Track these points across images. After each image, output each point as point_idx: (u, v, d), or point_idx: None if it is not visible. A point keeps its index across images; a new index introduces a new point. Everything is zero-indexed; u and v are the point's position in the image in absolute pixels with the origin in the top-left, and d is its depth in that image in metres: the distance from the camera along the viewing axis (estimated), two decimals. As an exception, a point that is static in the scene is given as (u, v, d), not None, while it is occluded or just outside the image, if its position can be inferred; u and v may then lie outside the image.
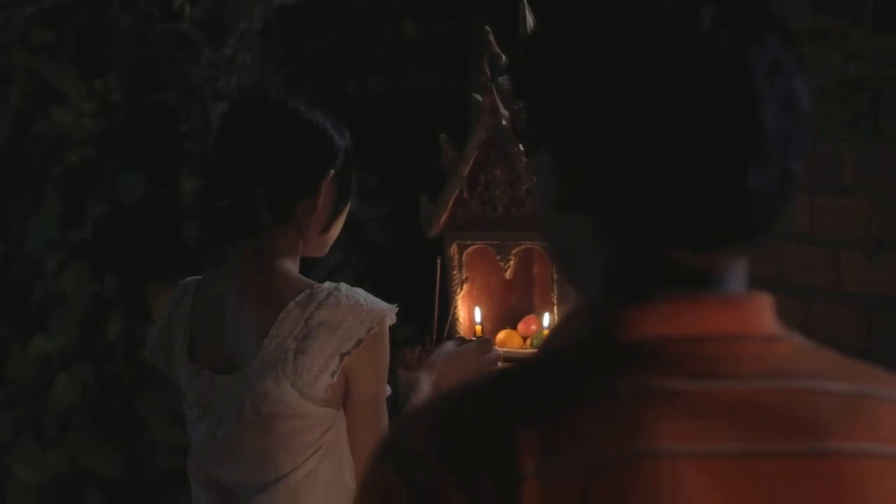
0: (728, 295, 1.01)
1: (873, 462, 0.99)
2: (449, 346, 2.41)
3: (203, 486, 2.22)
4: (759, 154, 0.98)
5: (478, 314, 2.67)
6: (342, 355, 2.07)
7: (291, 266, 2.18)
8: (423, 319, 2.57)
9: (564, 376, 0.98)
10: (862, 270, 2.92)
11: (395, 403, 2.26)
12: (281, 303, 2.11)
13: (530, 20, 2.49)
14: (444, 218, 2.65)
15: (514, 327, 2.73)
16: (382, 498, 0.95)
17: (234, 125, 2.20)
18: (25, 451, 4.29)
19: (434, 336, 2.52)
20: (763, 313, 1.02)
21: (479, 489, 0.92)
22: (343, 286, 2.12)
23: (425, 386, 2.29)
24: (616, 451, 0.93)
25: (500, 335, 2.69)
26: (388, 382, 2.17)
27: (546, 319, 2.61)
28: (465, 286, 2.68)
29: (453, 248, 2.67)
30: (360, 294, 2.12)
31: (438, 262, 2.59)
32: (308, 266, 2.25)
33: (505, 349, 2.61)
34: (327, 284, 2.13)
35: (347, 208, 2.25)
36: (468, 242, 2.66)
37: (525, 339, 2.69)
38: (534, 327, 2.69)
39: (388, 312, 2.11)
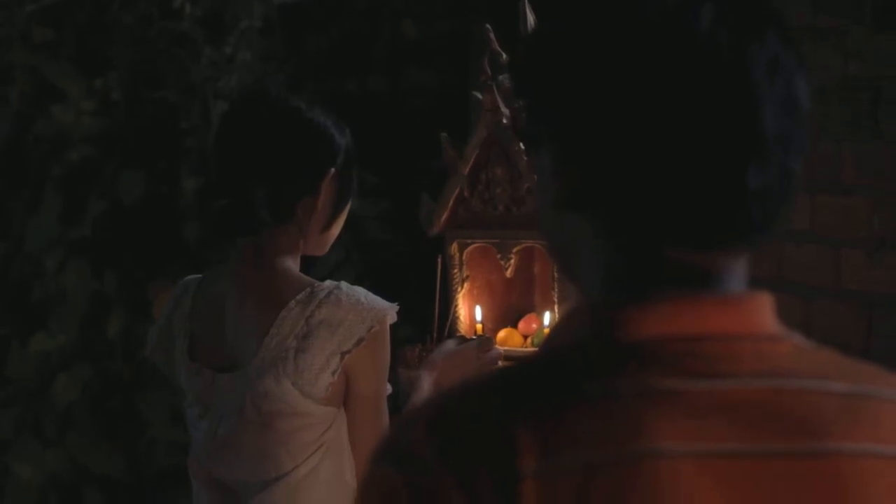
0: (728, 294, 1.01)
1: (873, 462, 0.99)
2: (449, 344, 2.42)
3: (204, 484, 2.22)
4: (759, 154, 0.98)
5: (478, 313, 2.67)
6: (343, 354, 2.08)
7: (292, 265, 2.18)
8: (424, 318, 2.57)
9: (565, 376, 0.98)
10: (862, 269, 2.93)
11: (396, 402, 2.26)
12: (281, 301, 2.11)
13: (531, 19, 2.49)
14: (444, 216, 2.65)
15: (514, 326, 2.73)
16: (383, 498, 0.95)
17: (235, 124, 2.20)
18: (25, 450, 4.29)
19: (435, 335, 2.52)
20: (763, 313, 1.02)
21: (478, 489, 0.92)
22: (344, 285, 2.12)
23: (426, 384, 2.29)
24: (616, 450, 0.93)
25: (501, 334, 2.69)
26: (389, 381, 2.17)
27: (547, 318, 2.61)
28: (465, 285, 2.68)
29: (454, 247, 2.67)
30: (361, 293, 2.12)
31: (439, 260, 2.59)
32: (309, 265, 2.25)
33: (505, 348, 2.61)
34: (328, 283, 2.13)
35: (348, 207, 2.25)
36: (469, 241, 2.67)
37: (526, 337, 2.69)
38: (534, 326, 2.69)
39: (389, 311, 2.11)
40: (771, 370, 0.99)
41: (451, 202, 2.64)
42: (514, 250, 2.61)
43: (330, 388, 2.09)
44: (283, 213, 2.15)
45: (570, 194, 1.02)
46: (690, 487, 0.94)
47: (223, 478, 2.18)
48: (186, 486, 2.30)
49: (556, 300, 2.55)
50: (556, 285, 2.56)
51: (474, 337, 2.55)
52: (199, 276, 2.30)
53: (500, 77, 2.55)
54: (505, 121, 2.54)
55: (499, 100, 2.54)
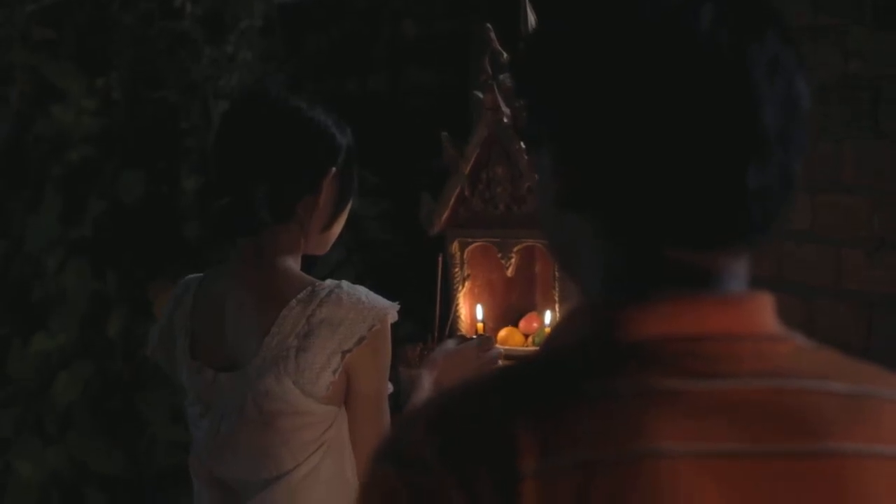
0: (728, 295, 1.01)
1: (874, 462, 0.99)
2: (449, 344, 2.42)
3: (205, 483, 2.22)
4: (760, 154, 0.98)
5: (479, 312, 2.67)
6: (344, 353, 2.08)
7: (293, 264, 2.18)
8: (425, 317, 2.57)
9: (565, 376, 0.98)
10: (862, 269, 2.93)
11: (397, 401, 2.26)
12: (282, 300, 2.11)
13: (532, 18, 2.50)
14: (445, 216, 2.65)
15: (515, 325, 2.73)
16: (384, 498, 0.95)
17: (235, 123, 2.20)
18: (26, 449, 4.29)
19: (436, 334, 2.52)
20: (764, 313, 1.02)
21: (479, 489, 0.92)
22: (345, 284, 2.13)
23: (426, 384, 2.30)
24: (616, 450, 0.94)
25: (502, 333, 2.69)
26: (390, 380, 2.17)
27: (548, 317, 2.61)
28: (466, 284, 2.68)
29: (455, 246, 2.67)
30: (362, 291, 2.12)
31: (440, 259, 2.59)
32: (310, 264, 2.26)
33: (506, 347, 2.61)
34: (329, 282, 2.13)
35: (349, 206, 2.26)
36: (470, 240, 2.67)
37: (527, 336, 2.69)
38: (535, 325, 2.69)
39: (390, 310, 2.11)
40: (771, 370, 0.99)
41: (452, 201, 2.65)
42: (515, 249, 2.61)
43: (331, 386, 2.09)
44: (284, 212, 2.15)
45: (570, 194, 1.02)
46: (690, 487, 0.94)
47: (224, 477, 2.18)
48: (187, 484, 2.30)
49: (556, 299, 2.55)
50: (556, 284, 2.56)
51: (474, 336, 2.55)
52: (200, 275, 2.30)
53: (501, 76, 2.55)
54: (506, 120, 2.54)
55: (500, 99, 2.54)
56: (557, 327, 1.06)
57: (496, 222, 2.62)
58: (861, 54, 2.93)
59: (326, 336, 2.07)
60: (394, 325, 2.13)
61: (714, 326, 0.99)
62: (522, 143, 2.51)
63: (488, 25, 2.59)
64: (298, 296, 2.11)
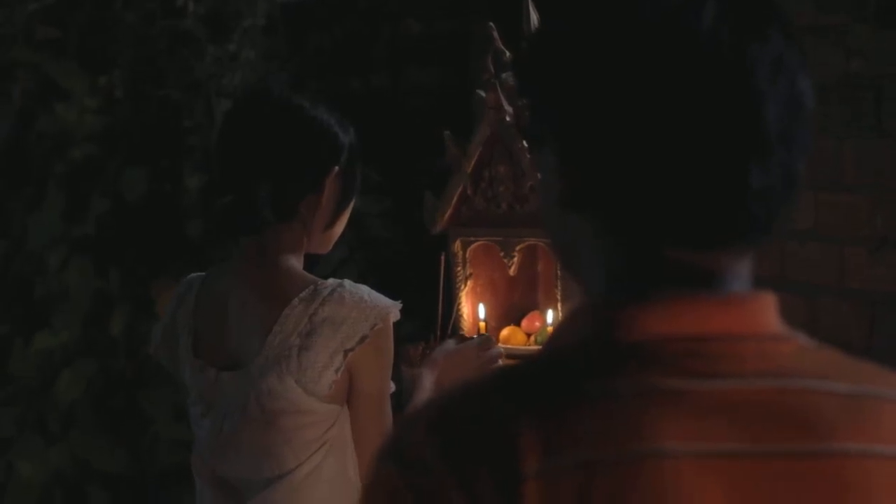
0: (730, 294, 1.01)
1: (875, 462, 0.99)
2: (450, 343, 2.42)
3: (207, 482, 2.22)
4: (762, 153, 0.98)
5: (481, 311, 2.68)
6: (346, 351, 2.08)
7: (295, 262, 2.19)
8: (427, 316, 2.57)
9: (566, 376, 0.98)
10: (865, 268, 2.93)
11: (399, 400, 2.26)
12: (285, 299, 2.11)
13: (534, 17, 2.50)
14: (447, 214, 2.66)
15: (517, 324, 2.74)
16: (388, 498, 0.95)
17: (238, 122, 2.21)
18: (28, 448, 4.29)
19: (438, 333, 2.53)
20: (766, 313, 1.02)
21: (479, 489, 0.92)
22: (347, 282, 2.13)
23: (427, 383, 2.30)
24: (616, 451, 0.94)
25: (504, 332, 2.70)
26: (393, 379, 2.17)
27: (550, 316, 2.61)
28: (468, 283, 2.68)
29: (457, 245, 2.68)
30: (364, 290, 2.12)
31: (442, 258, 2.59)
32: (312, 262, 2.26)
33: (508, 346, 2.61)
34: (331, 281, 2.13)
35: (351, 205, 2.26)
36: (472, 239, 2.67)
37: (529, 335, 2.70)
38: (537, 324, 2.69)
39: (392, 309, 2.12)
40: (774, 370, 0.99)
41: (455, 200, 2.65)
42: (518, 248, 2.61)
43: (333, 385, 2.09)
44: (287, 211, 2.15)
45: (571, 194, 1.02)
46: (691, 487, 0.94)
47: (226, 475, 2.19)
48: (189, 483, 2.30)
49: (559, 298, 2.56)
50: (559, 283, 2.56)
51: (475, 336, 2.55)
52: (203, 273, 2.30)
53: (504, 75, 2.55)
54: (508, 119, 2.55)
55: (502, 98, 2.55)
56: (559, 327, 1.06)
57: (498, 221, 2.62)
58: (863, 53, 2.93)
59: (329, 335, 2.08)
60: (396, 324, 2.13)
61: (716, 326, 0.99)
62: (525, 142, 2.51)
63: (491, 24, 2.59)
64: (301, 294, 2.11)
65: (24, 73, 4.36)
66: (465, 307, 2.68)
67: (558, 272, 2.56)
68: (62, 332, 4.30)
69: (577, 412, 0.95)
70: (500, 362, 2.41)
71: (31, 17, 4.35)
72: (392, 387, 2.17)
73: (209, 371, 2.18)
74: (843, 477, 0.97)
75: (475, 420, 0.96)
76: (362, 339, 2.08)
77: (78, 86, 4.33)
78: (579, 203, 1.02)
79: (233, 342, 2.17)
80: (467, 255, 2.67)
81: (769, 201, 1.00)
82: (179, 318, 2.27)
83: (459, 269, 2.67)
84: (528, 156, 2.50)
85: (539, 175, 1.11)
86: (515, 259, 2.62)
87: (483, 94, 2.57)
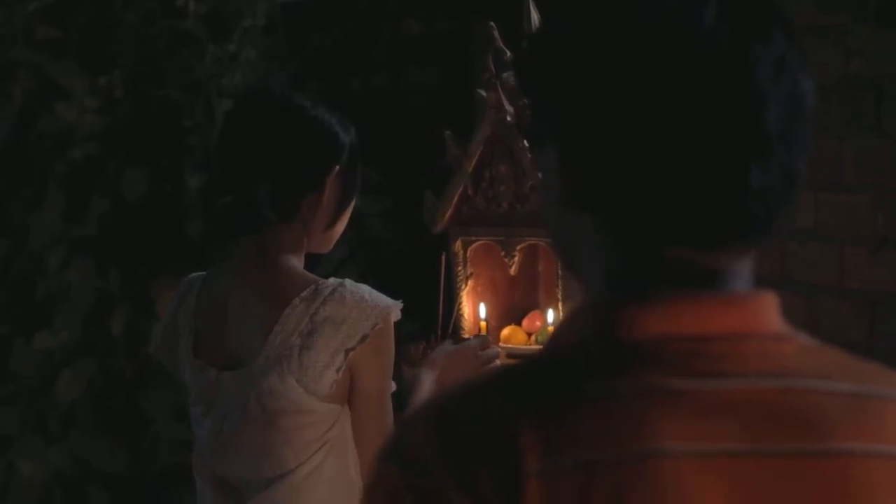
0: (732, 294, 1.01)
1: (877, 462, 0.99)
2: (448, 345, 2.42)
3: (207, 482, 2.22)
4: (762, 153, 0.98)
5: (482, 310, 2.68)
6: (347, 351, 2.08)
7: (296, 262, 2.19)
8: (428, 316, 2.57)
9: (567, 375, 0.98)
10: (865, 267, 2.93)
11: (400, 400, 2.26)
12: (286, 299, 2.12)
13: (535, 16, 2.50)
14: (448, 214, 2.66)
15: (518, 323, 2.74)
16: (389, 498, 0.95)
17: (239, 122, 2.21)
18: (29, 448, 4.29)
19: (439, 332, 2.53)
20: (768, 312, 1.02)
21: (480, 489, 0.92)
22: (348, 282, 2.13)
23: (426, 383, 2.30)
24: (616, 450, 0.94)
25: (505, 331, 2.70)
26: (393, 378, 2.17)
27: (550, 315, 2.61)
28: (469, 282, 2.68)
29: (458, 244, 2.68)
30: (365, 290, 2.12)
31: (443, 258, 2.59)
32: (313, 262, 2.26)
33: (509, 346, 2.62)
34: (332, 280, 2.13)
35: (352, 205, 2.26)
36: (473, 238, 2.67)
37: (530, 335, 2.70)
38: (538, 323, 2.70)
39: (393, 308, 2.12)
40: (775, 370, 0.99)
41: (456, 200, 2.65)
42: (518, 248, 2.62)
43: (334, 385, 2.09)
44: (287, 210, 2.15)
45: (572, 193, 1.03)
46: (692, 487, 0.94)
47: (227, 475, 2.19)
48: (189, 483, 2.30)
49: (559, 297, 2.56)
50: (560, 283, 2.57)
51: (471, 337, 2.55)
52: (204, 273, 2.30)
53: (504, 74, 2.55)
54: (509, 118, 2.55)
55: (503, 97, 2.55)
56: (560, 327, 1.06)
57: (499, 220, 2.62)
58: (863, 53, 2.93)
59: (330, 334, 2.08)
60: (397, 324, 2.13)
61: (717, 326, 0.99)
62: (525, 142, 2.51)
63: (491, 23, 2.60)
64: (302, 294, 2.11)
65: (24, 73, 4.36)
66: (466, 307, 2.68)
67: (559, 272, 2.56)
68: (62, 331, 4.30)
69: (577, 412, 0.95)
70: (498, 362, 2.41)
71: (32, 16, 4.35)
72: (393, 386, 2.17)
73: (210, 371, 2.18)
74: (844, 477, 0.97)
75: (475, 420, 0.96)
76: (363, 339, 2.08)
77: (78, 86, 4.33)
78: (580, 203, 1.03)
79: (233, 342, 2.17)
80: (468, 254, 2.67)
81: (769, 201, 1.00)
82: (180, 318, 2.27)
83: (460, 268, 2.67)
84: (529, 155, 2.50)
85: (540, 174, 1.11)
86: (516, 258, 2.62)
87: (484, 93, 2.57)
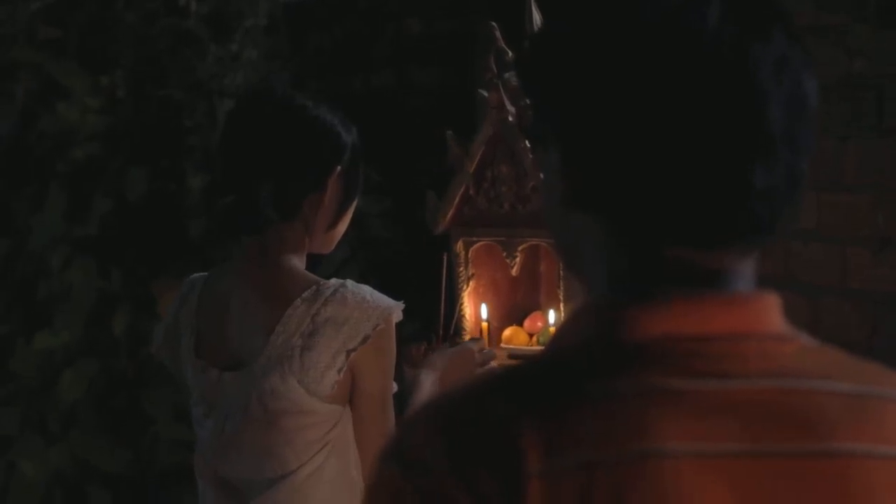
0: (734, 294, 1.01)
1: (877, 462, 0.99)
2: (447, 347, 2.43)
3: (209, 482, 2.22)
4: (765, 153, 0.98)
5: (484, 311, 2.68)
6: (348, 352, 2.08)
7: (297, 262, 2.19)
8: (428, 316, 2.57)
9: (568, 376, 0.98)
10: (867, 268, 2.93)
11: (401, 400, 2.26)
12: (287, 299, 2.12)
13: (536, 16, 2.50)
14: (450, 214, 2.66)
15: (520, 324, 2.74)
16: (390, 499, 0.95)
17: (241, 122, 2.21)
18: (29, 448, 4.29)
19: (440, 333, 2.53)
20: (770, 313, 1.02)
21: (481, 490, 0.92)
22: (349, 283, 2.13)
23: (427, 384, 2.30)
24: (617, 451, 0.94)
25: (506, 332, 2.70)
26: (395, 379, 2.17)
27: (552, 316, 2.61)
28: (471, 283, 2.69)
29: (459, 245, 2.68)
30: (367, 290, 2.12)
31: (445, 258, 2.59)
32: (315, 262, 2.26)
33: (511, 346, 2.62)
34: (333, 281, 2.13)
35: (354, 205, 2.26)
36: (474, 239, 2.67)
37: (531, 335, 2.70)
38: (540, 324, 2.70)
39: (395, 309, 2.12)
40: (776, 370, 0.99)
41: (457, 200, 2.65)
42: (520, 248, 2.62)
43: (336, 385, 2.09)
44: (289, 210, 2.15)
45: (573, 194, 1.03)
46: (692, 487, 0.94)
47: (228, 476, 2.18)
48: (190, 483, 2.30)
49: (561, 298, 2.56)
50: (561, 283, 2.57)
51: (467, 339, 2.56)
52: (206, 273, 2.30)
53: (506, 75, 2.55)
54: (510, 118, 2.55)
55: (504, 97, 2.55)
56: (562, 327, 1.06)
57: (501, 221, 2.62)
58: (864, 53, 2.93)
59: (331, 335, 2.08)
60: (398, 325, 2.13)
61: (719, 326, 0.99)
62: (527, 142, 2.51)
63: (493, 24, 2.60)
64: (303, 294, 2.11)
65: (25, 72, 4.36)
66: (468, 307, 2.68)
67: (561, 272, 2.56)
68: (64, 331, 4.30)
69: (578, 413, 0.95)
70: (494, 364, 2.41)
71: (33, 16, 4.35)
72: (395, 387, 2.17)
73: (211, 371, 2.18)
74: (845, 477, 0.97)
75: (477, 421, 0.96)
76: (365, 340, 2.08)
77: (80, 85, 4.33)
78: (582, 203, 1.03)
79: (235, 342, 2.17)
80: (469, 255, 2.67)
81: (773, 201, 1.00)
82: (182, 318, 2.27)
83: (462, 269, 2.67)
84: (531, 156, 2.50)
85: (541, 175, 1.11)
86: (518, 259, 2.62)
87: (485, 93, 2.57)
